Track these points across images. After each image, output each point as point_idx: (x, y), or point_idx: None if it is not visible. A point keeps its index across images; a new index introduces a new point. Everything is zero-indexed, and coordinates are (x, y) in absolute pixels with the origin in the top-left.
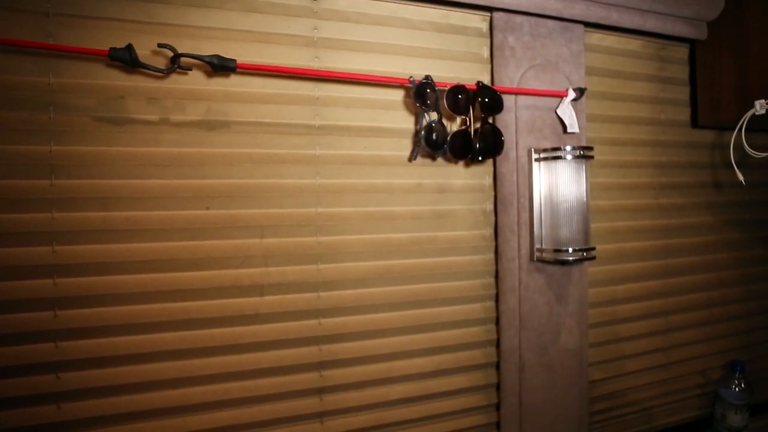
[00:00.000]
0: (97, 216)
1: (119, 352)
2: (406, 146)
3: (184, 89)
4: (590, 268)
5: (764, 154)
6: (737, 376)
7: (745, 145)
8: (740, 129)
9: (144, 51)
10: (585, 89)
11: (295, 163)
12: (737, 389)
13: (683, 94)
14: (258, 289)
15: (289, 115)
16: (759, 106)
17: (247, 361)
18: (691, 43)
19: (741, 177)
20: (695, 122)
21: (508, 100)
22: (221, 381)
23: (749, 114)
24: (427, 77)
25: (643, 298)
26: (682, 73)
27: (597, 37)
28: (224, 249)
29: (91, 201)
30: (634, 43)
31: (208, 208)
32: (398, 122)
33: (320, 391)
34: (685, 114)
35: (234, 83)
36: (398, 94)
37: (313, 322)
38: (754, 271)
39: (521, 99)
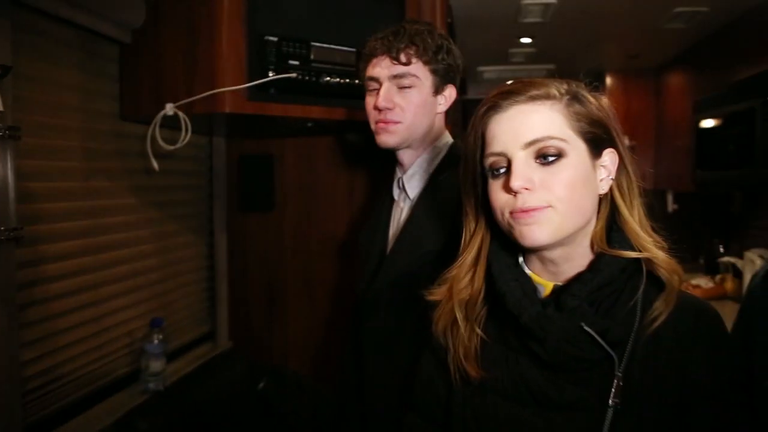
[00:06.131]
0: None
1: None
2: None
3: None
4: (19, 250)
5: (172, 147)
6: (156, 330)
7: (159, 138)
8: (155, 125)
9: None
10: (10, 67)
11: None
12: (157, 342)
13: (115, 88)
14: None
15: None
16: (169, 109)
17: None
18: (121, 45)
19: (155, 165)
20: (123, 115)
21: None
22: None
23: (162, 114)
24: None
25: (76, 274)
26: (114, 69)
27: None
28: None
29: None
30: (66, 32)
31: None
32: None
33: None
34: (115, 107)
35: None
36: None
37: None
38: (168, 243)
39: None
